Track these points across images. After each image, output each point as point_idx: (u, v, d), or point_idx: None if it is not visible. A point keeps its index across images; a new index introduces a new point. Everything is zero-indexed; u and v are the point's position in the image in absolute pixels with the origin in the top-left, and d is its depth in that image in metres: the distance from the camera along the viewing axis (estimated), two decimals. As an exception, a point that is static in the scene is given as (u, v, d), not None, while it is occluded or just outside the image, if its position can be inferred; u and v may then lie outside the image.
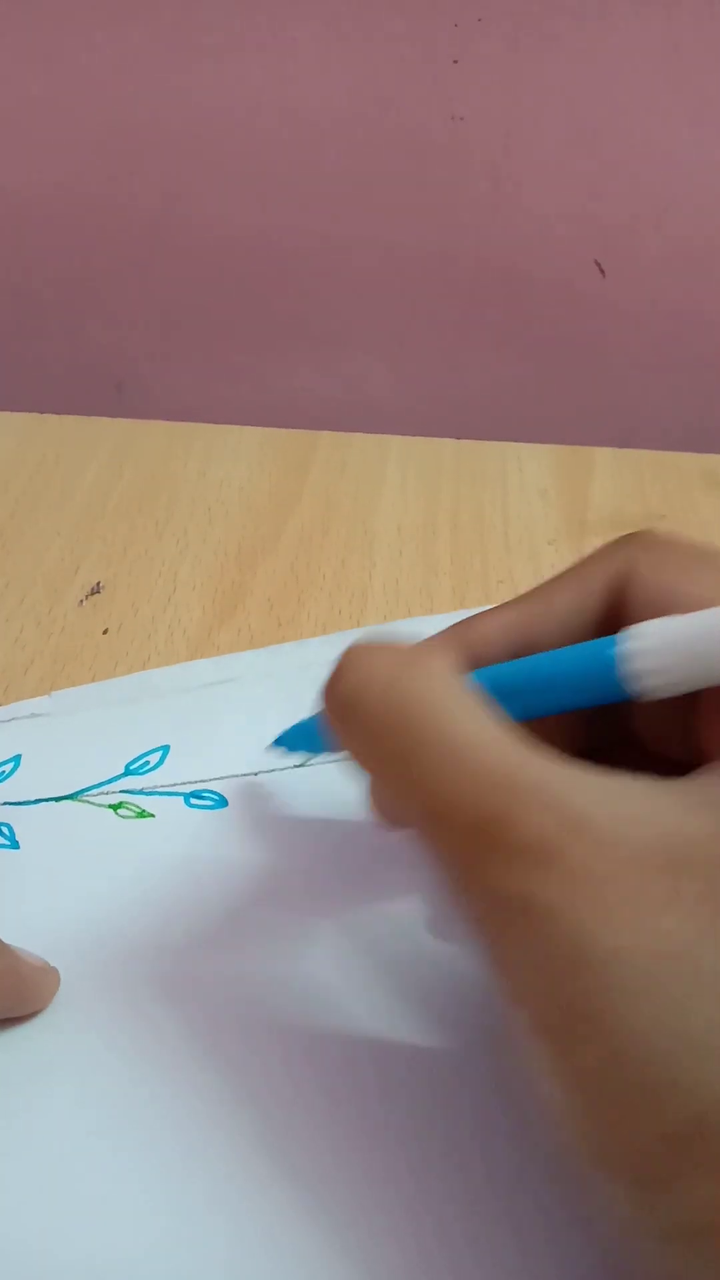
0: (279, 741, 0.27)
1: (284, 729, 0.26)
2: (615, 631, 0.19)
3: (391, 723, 0.17)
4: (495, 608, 0.21)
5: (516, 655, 0.21)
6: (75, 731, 0.29)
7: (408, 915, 0.24)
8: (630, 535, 0.21)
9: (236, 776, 0.28)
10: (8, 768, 0.28)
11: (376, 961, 0.23)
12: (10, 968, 0.22)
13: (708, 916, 0.14)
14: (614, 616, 0.20)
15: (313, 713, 0.24)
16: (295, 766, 0.28)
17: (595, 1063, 0.15)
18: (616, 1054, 0.14)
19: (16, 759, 0.28)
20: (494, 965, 0.16)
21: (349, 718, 0.18)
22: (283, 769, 0.28)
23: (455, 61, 0.46)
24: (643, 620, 0.18)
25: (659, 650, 0.17)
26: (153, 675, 0.31)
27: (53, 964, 0.23)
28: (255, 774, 0.28)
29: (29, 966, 0.22)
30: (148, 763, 0.28)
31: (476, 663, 0.21)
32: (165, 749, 0.28)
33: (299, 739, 0.26)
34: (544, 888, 0.15)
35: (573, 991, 0.15)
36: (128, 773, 0.28)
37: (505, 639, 0.21)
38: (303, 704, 0.25)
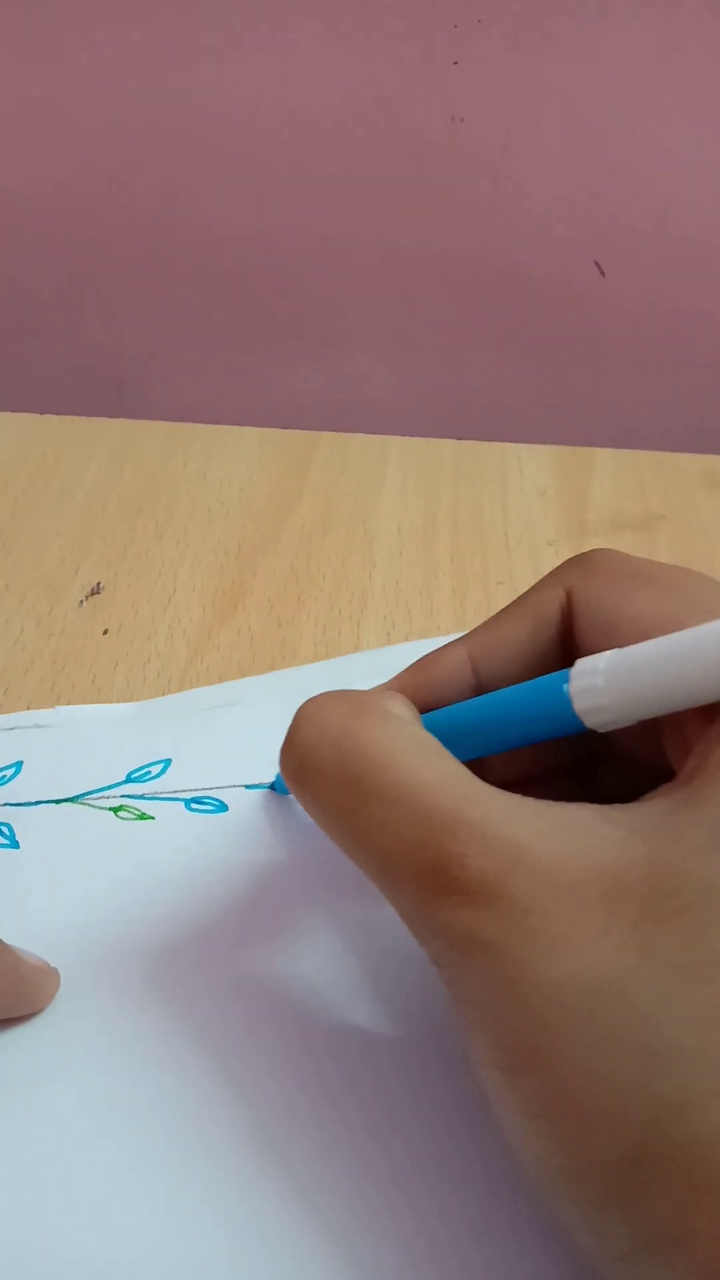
0: (274, 785, 0.28)
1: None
2: (569, 658, 0.19)
3: (344, 775, 0.17)
4: (448, 644, 0.22)
5: (476, 691, 0.21)
6: (77, 741, 0.29)
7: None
8: (573, 559, 0.21)
9: (237, 787, 0.28)
10: (9, 772, 0.28)
11: (376, 963, 0.23)
12: (10, 968, 0.22)
13: (639, 943, 0.15)
14: (566, 642, 0.20)
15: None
16: None
17: (542, 1092, 0.15)
18: (560, 1083, 0.15)
19: (18, 765, 0.28)
20: (451, 1001, 0.17)
21: (304, 778, 0.18)
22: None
23: (455, 62, 0.46)
24: (591, 647, 0.18)
25: (605, 689, 0.17)
26: (154, 702, 0.31)
27: (53, 964, 0.23)
28: (257, 786, 0.28)
29: (29, 966, 0.22)
30: (149, 772, 0.28)
31: (435, 702, 0.21)
32: (167, 762, 0.28)
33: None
34: (487, 925, 0.15)
35: (517, 1024, 0.15)
36: (129, 780, 0.28)
37: (461, 676, 0.21)
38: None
